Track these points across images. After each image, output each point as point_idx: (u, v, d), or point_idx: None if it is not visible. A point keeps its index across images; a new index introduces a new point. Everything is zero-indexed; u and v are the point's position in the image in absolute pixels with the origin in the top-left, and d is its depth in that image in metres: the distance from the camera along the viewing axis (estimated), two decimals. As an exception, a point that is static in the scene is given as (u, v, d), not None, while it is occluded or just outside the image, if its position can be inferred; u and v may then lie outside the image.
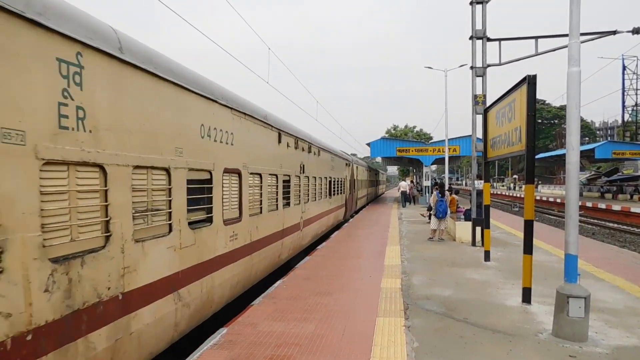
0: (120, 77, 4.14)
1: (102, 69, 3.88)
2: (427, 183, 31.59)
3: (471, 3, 13.30)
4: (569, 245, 5.57)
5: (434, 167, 43.73)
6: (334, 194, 17.98)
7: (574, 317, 5.35)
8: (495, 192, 56.70)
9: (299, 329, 5.80)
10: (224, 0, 10.23)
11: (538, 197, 41.49)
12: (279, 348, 5.16)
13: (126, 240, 4.20)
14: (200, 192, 5.82)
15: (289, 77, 26.41)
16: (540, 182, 61.33)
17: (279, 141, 9.57)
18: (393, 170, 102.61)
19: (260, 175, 8.19)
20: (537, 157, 38.24)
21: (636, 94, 55.67)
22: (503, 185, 74.18)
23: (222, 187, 6.38)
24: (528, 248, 6.83)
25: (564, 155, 6.13)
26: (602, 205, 30.11)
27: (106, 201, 3.94)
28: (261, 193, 8.29)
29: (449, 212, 14.38)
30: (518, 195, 46.53)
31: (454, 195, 16.16)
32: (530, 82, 6.53)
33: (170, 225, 4.99)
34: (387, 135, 59.06)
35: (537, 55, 13.74)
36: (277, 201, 9.40)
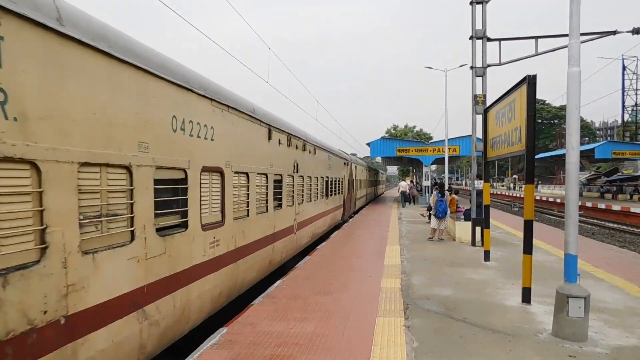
0: (59, 54, 3.42)
1: (31, 43, 3.17)
2: (427, 183, 31.59)
3: (471, 3, 13.30)
4: (568, 245, 5.58)
5: (433, 167, 43.73)
6: (331, 195, 17.32)
7: (574, 317, 5.36)
8: (495, 192, 56.71)
9: (299, 329, 5.80)
10: (224, 1, 10.23)
11: (538, 197, 41.49)
12: (278, 348, 5.16)
13: (70, 253, 3.49)
14: (172, 194, 5.19)
15: (289, 77, 26.42)
16: (540, 182, 61.35)
17: (269, 138, 8.82)
18: (393, 170, 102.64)
19: (247, 174, 7.52)
20: (537, 157, 38.26)
21: (636, 94, 55.70)
22: (503, 185, 74.21)
23: (200, 187, 5.71)
24: (528, 248, 6.84)
25: (563, 155, 6.13)
26: (602, 205, 30.13)
27: (41, 206, 3.23)
28: (248, 194, 7.60)
29: (448, 212, 14.38)
30: (518, 195, 46.55)
31: (453, 195, 16.16)
32: (530, 82, 6.54)
33: (132, 232, 4.32)
34: (387, 135, 59.06)
35: (537, 55, 13.75)
36: (267, 203, 8.77)
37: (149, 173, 4.61)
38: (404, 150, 31.55)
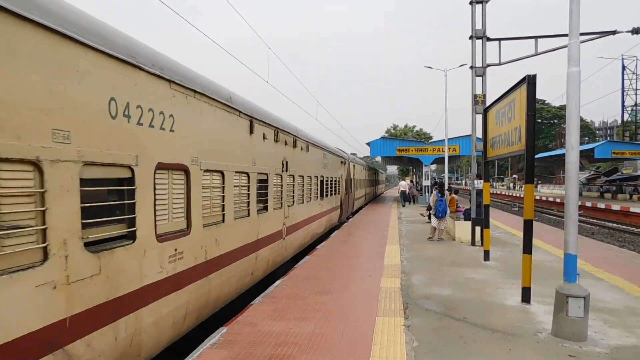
0: None
1: None
2: (426, 183, 31.60)
3: (471, 3, 13.30)
4: (568, 244, 5.58)
5: (433, 166, 43.74)
6: (326, 195, 16.31)
7: (573, 316, 5.36)
8: (494, 192, 56.73)
9: (299, 329, 5.81)
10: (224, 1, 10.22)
11: (537, 197, 41.51)
12: (278, 347, 5.16)
13: None
14: (112, 197, 4.23)
15: (289, 77, 26.41)
16: (539, 181, 61.37)
17: (251, 131, 7.74)
18: (393, 169, 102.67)
19: (221, 173, 6.48)
20: (536, 156, 38.24)
21: (636, 94, 55.70)
22: (503, 185, 74.23)
23: (155, 189, 4.71)
24: (527, 248, 6.84)
25: (563, 155, 6.13)
26: (602, 205, 30.14)
27: None
28: (223, 196, 6.53)
29: (448, 211, 14.39)
30: (518, 195, 46.56)
31: (453, 195, 16.17)
32: (529, 82, 6.54)
33: (45, 249, 3.31)
34: (386, 134, 59.06)
35: (537, 55, 13.75)
36: (248, 206, 7.67)
37: (72, 171, 3.55)
38: (403, 150, 31.57)
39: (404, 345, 5.21)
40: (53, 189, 3.38)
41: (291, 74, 20.61)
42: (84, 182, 3.69)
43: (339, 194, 19.58)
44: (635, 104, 55.85)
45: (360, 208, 30.20)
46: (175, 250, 5.13)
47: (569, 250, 5.58)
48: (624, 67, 55.66)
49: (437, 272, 9.26)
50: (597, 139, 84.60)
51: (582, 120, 63.60)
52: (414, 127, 66.00)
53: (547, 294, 7.09)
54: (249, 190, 7.70)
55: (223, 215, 6.57)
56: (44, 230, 3.32)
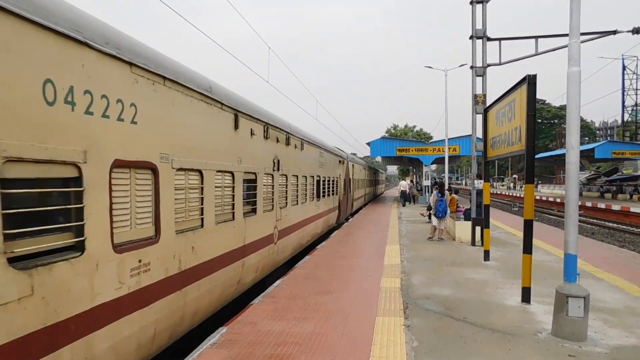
0: None
1: None
2: (426, 182, 31.61)
3: (471, 2, 13.30)
4: (568, 245, 5.58)
5: (433, 166, 43.75)
6: (323, 196, 15.58)
7: (573, 316, 5.36)
8: (495, 192, 56.73)
9: (299, 328, 5.81)
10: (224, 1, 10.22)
11: (538, 197, 41.50)
12: (278, 347, 5.17)
13: None
14: (51, 201, 3.54)
15: (289, 76, 26.42)
16: (540, 181, 61.37)
17: (236, 126, 7.02)
18: (393, 169, 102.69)
19: (200, 172, 5.81)
20: (536, 156, 38.22)
21: (636, 94, 55.70)
22: (503, 185, 74.23)
23: (111, 190, 4.03)
24: (528, 248, 6.84)
25: (563, 155, 6.13)
26: (602, 205, 30.14)
27: None
28: (202, 198, 5.86)
29: (448, 211, 14.40)
30: (518, 195, 46.56)
31: (453, 195, 16.17)
32: (530, 82, 6.54)
33: None
34: (387, 134, 59.07)
35: (537, 55, 13.75)
36: (233, 208, 6.96)
37: None
38: (404, 150, 31.58)
39: (404, 345, 5.21)
40: None
41: (291, 74, 20.62)
42: (6, 182, 3.00)
43: (337, 194, 18.97)
44: (636, 104, 55.84)
45: (360, 209, 29.96)
46: (140, 261, 4.44)
47: (569, 250, 5.58)
48: (624, 67, 55.67)
49: (437, 272, 9.27)
50: (597, 139, 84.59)
51: (582, 120, 63.56)
52: (414, 127, 66.03)
53: (547, 294, 7.08)
54: (233, 192, 6.99)
55: (202, 219, 5.87)
56: None
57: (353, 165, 25.32)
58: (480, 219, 11.34)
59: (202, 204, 5.90)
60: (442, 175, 39.75)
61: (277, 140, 9.47)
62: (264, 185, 8.65)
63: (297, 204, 11.57)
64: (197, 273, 5.69)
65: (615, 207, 28.52)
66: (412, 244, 13.31)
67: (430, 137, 58.64)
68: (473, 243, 12.71)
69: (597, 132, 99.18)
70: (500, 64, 13.66)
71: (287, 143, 10.39)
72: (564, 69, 5.67)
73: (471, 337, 5.52)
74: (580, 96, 5.59)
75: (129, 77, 4.34)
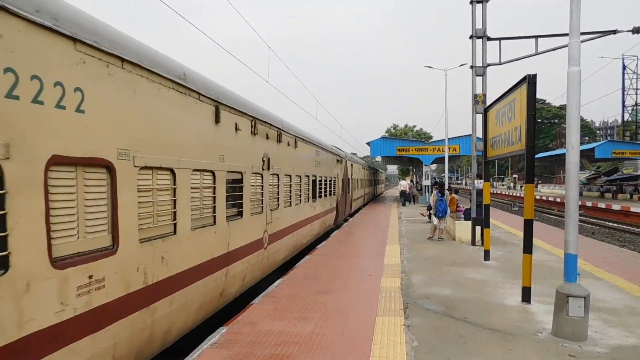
0: None
1: None
2: (426, 182, 31.62)
3: (471, 2, 13.30)
4: (568, 244, 5.58)
5: (433, 166, 43.76)
6: (320, 196, 14.89)
7: (574, 316, 5.36)
8: (495, 192, 56.73)
9: (299, 328, 5.81)
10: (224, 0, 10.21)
11: (538, 197, 41.50)
12: (278, 347, 5.17)
13: None
14: None
15: (289, 76, 26.41)
16: (540, 181, 61.37)
17: (217, 120, 6.28)
18: (393, 169, 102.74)
19: (171, 171, 5.09)
20: (537, 156, 38.22)
21: (636, 94, 55.70)
22: (503, 185, 74.25)
23: (47, 192, 3.33)
24: (528, 247, 6.84)
25: (563, 154, 6.14)
26: (602, 205, 30.14)
27: None
28: (174, 200, 5.14)
29: (448, 211, 14.40)
30: (518, 194, 46.56)
31: (453, 195, 16.17)
32: (530, 81, 6.54)
33: None
34: (387, 134, 59.08)
35: (537, 54, 13.75)
36: (214, 211, 6.25)
37: None
38: (404, 150, 31.57)
39: (404, 345, 5.21)
40: None
41: (291, 74, 20.61)
42: None
43: (334, 194, 18.33)
44: (636, 104, 55.84)
45: (359, 209, 29.64)
46: (91, 277, 3.75)
47: (569, 250, 5.57)
48: (624, 67, 55.67)
49: (437, 272, 9.26)
50: (597, 138, 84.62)
51: (582, 120, 63.55)
52: (414, 126, 65.99)
53: (547, 294, 7.09)
54: (214, 193, 6.24)
55: (174, 225, 5.14)
56: None
57: (352, 164, 24.73)
58: (480, 219, 11.34)
59: (174, 208, 5.14)
60: (442, 175, 39.76)
61: (267, 137, 8.76)
62: (252, 185, 7.94)
63: (291, 205, 10.86)
64: (168, 286, 4.96)
65: (616, 206, 28.52)
66: (412, 243, 13.31)
67: (430, 137, 58.64)
68: (473, 243, 12.71)
69: (597, 131, 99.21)
70: (500, 63, 13.66)
71: (279, 140, 9.64)
72: (564, 68, 5.67)
73: (471, 336, 5.52)
74: (580, 96, 5.58)
75: (73, 55, 3.58)
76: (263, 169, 8.48)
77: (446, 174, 29.11)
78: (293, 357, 4.88)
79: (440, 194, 13.94)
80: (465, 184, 78.57)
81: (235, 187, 7.21)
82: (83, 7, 3.95)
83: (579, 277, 5.68)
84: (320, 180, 14.87)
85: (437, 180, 29.66)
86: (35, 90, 3.23)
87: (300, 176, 11.82)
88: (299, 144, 11.68)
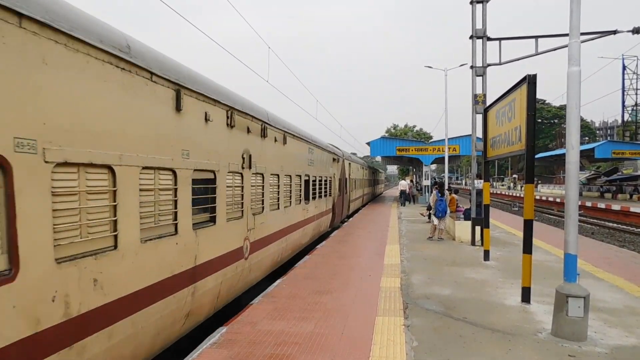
0: None
1: None
2: (426, 182, 31.63)
3: (471, 2, 13.30)
4: (568, 244, 5.58)
5: (433, 166, 43.77)
6: (314, 198, 13.87)
7: (573, 316, 5.36)
8: (494, 192, 56.74)
9: (299, 328, 5.81)
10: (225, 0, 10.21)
11: (538, 197, 41.51)
12: (278, 347, 5.16)
13: None
14: None
15: (290, 77, 26.40)
16: (539, 181, 61.40)
17: (178, 107, 5.18)
18: (393, 169, 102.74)
19: (109, 168, 4.06)
20: (536, 156, 38.25)
21: (636, 94, 55.69)
22: (503, 185, 74.26)
23: None
24: (527, 247, 6.84)
25: (563, 154, 6.13)
26: (602, 205, 30.14)
27: None
28: (114, 206, 4.13)
29: (448, 211, 14.41)
30: (518, 194, 46.57)
31: (453, 195, 16.18)
32: (530, 81, 6.54)
33: None
34: (386, 134, 59.08)
35: (537, 54, 13.75)
36: (175, 218, 5.20)
37: None
38: (403, 150, 31.57)
39: (404, 345, 5.21)
40: None
41: (291, 74, 20.61)
42: None
43: (330, 195, 17.31)
44: (636, 104, 55.85)
45: (358, 209, 29.03)
46: None
47: (569, 250, 5.58)
48: (624, 67, 55.67)
49: (437, 272, 9.26)
50: (597, 138, 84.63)
51: (582, 120, 63.58)
52: (414, 126, 66.00)
53: (547, 294, 7.09)
54: (175, 196, 5.19)
55: (115, 237, 4.12)
56: None
57: (350, 163, 23.73)
58: (480, 219, 11.34)
59: (114, 215, 4.11)
60: (442, 175, 39.77)
61: (249, 131, 7.68)
62: (229, 187, 6.85)
63: (279, 208, 9.78)
64: (105, 316, 3.94)
65: (615, 207, 28.53)
66: (412, 243, 13.31)
67: (430, 137, 58.65)
68: (473, 243, 12.71)
69: (597, 131, 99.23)
70: (500, 63, 13.66)
71: (264, 135, 8.51)
72: (564, 68, 5.67)
73: (471, 336, 5.52)
74: (580, 96, 5.58)
75: None
76: (243, 168, 7.44)
77: (446, 174, 29.11)
78: (293, 357, 4.88)
79: (440, 194, 13.95)
80: (465, 184, 78.58)
81: (205, 189, 6.14)
82: (83, 7, 3.94)
83: (579, 277, 5.68)
84: (314, 181, 13.93)
85: (437, 180, 29.67)
86: None
87: (290, 176, 10.78)
88: (289, 140, 10.65)
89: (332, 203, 17.84)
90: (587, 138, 75.30)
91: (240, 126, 7.25)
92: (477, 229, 12.36)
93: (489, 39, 13.37)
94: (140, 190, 4.54)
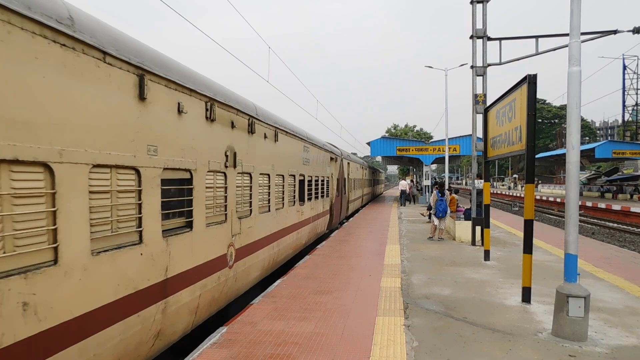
0: None
1: None
2: (427, 182, 31.64)
3: (472, 2, 13.29)
4: (568, 244, 5.58)
5: (434, 166, 43.77)
6: (309, 199, 13.19)
7: (574, 316, 5.36)
8: (495, 192, 56.73)
9: (299, 328, 5.80)
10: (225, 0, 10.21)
11: (538, 197, 41.51)
12: (278, 347, 5.16)
13: None
14: None
15: (290, 77, 26.41)
16: (540, 181, 61.39)
17: (141, 95, 4.48)
18: (393, 169, 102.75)
19: (46, 166, 3.38)
20: (537, 156, 38.22)
21: (636, 94, 55.64)
22: (503, 185, 74.26)
23: None
24: (528, 247, 6.84)
25: (564, 154, 6.14)
26: (602, 205, 30.13)
27: None
28: (53, 212, 3.43)
29: (448, 211, 14.41)
30: (518, 194, 46.55)
31: (453, 195, 16.18)
32: (530, 81, 6.54)
33: None
34: (387, 134, 59.08)
35: (537, 54, 13.75)
36: (139, 225, 4.49)
37: None
38: (404, 150, 31.56)
39: (404, 345, 5.20)
40: None
41: (292, 74, 20.60)
42: None
43: (328, 196, 16.58)
44: (636, 104, 55.81)
45: (358, 210, 28.59)
46: None
47: (569, 250, 5.57)
48: (624, 67, 55.63)
49: (437, 272, 9.26)
50: (597, 138, 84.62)
51: (582, 120, 63.49)
52: (415, 126, 65.96)
53: (547, 294, 7.10)
54: (140, 199, 4.50)
55: (55, 249, 3.44)
56: None
57: (348, 163, 22.86)
58: (481, 219, 11.34)
59: (53, 224, 3.43)
60: (442, 175, 39.78)
61: (233, 126, 6.94)
62: (209, 187, 6.17)
63: (269, 211, 9.03)
64: (40, 347, 3.28)
65: (616, 207, 28.51)
66: (412, 243, 13.31)
67: (431, 137, 58.64)
68: (473, 243, 12.71)
69: (598, 131, 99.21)
70: (500, 63, 13.66)
71: (251, 131, 7.77)
72: (565, 68, 5.67)
73: (471, 337, 5.52)
74: (580, 96, 5.58)
75: None
76: (226, 167, 6.72)
77: (446, 174, 29.12)
78: (293, 357, 4.88)
79: (440, 194, 13.94)
80: (466, 184, 78.58)
81: (180, 190, 5.45)
82: (83, 7, 3.93)
83: (579, 277, 5.68)
84: (309, 181, 13.16)
85: (437, 180, 29.67)
86: None
87: (282, 175, 10.06)
88: (281, 137, 9.87)
89: (330, 204, 17.25)
90: (587, 138, 75.28)
91: (222, 120, 6.53)
92: (478, 229, 12.36)
93: (489, 38, 13.36)
94: (91, 192, 3.81)
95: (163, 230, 4.91)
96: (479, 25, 13.25)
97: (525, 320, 6.14)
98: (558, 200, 36.18)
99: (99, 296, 3.88)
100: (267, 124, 8.73)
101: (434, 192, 14.37)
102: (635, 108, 56.31)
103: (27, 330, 3.15)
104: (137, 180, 4.49)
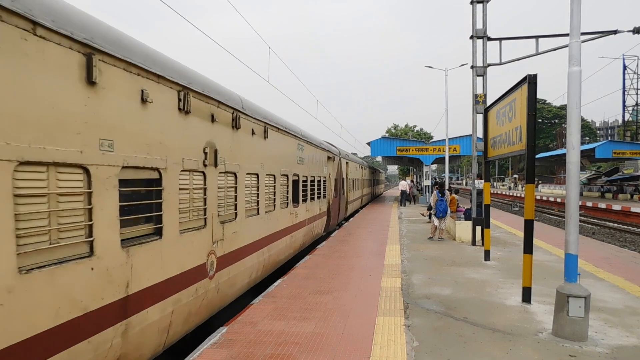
0: None
1: None
2: (427, 182, 31.65)
3: (472, 2, 13.29)
4: (569, 244, 5.58)
5: (434, 166, 43.76)
6: (305, 200, 12.40)
7: (574, 316, 5.36)
8: (495, 192, 56.72)
9: (299, 328, 5.81)
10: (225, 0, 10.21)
11: (538, 197, 41.50)
12: (278, 347, 5.16)
13: None
14: None
15: (290, 77, 26.41)
16: (540, 181, 61.38)
17: (90, 79, 3.70)
18: (393, 169, 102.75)
19: None
20: (537, 156, 38.22)
21: (637, 94, 55.62)
22: (503, 185, 74.24)
23: None
24: (528, 247, 6.84)
25: (564, 154, 6.13)
26: (602, 205, 30.11)
27: None
28: None
29: (449, 211, 14.41)
30: (518, 194, 46.55)
31: (454, 195, 16.18)
32: (530, 81, 6.54)
33: None
34: (387, 134, 59.08)
35: (537, 54, 13.75)
36: (90, 233, 3.76)
37: None
38: (404, 150, 31.58)
39: (404, 345, 5.20)
40: None
41: (292, 74, 20.60)
42: None
43: (325, 197, 15.85)
44: (637, 104, 55.80)
45: (357, 211, 27.98)
46: None
47: (569, 250, 5.57)
48: (625, 67, 55.62)
49: (437, 272, 9.26)
50: (598, 138, 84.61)
51: (582, 120, 63.48)
52: (415, 126, 65.97)
53: (547, 294, 7.09)
54: (90, 203, 3.76)
55: None
56: None
57: (347, 162, 22.04)
58: (481, 219, 11.34)
59: None
60: (443, 175, 39.77)
61: (214, 120, 6.13)
62: (184, 189, 5.40)
63: (258, 213, 8.22)
64: None
65: (616, 207, 28.50)
66: (413, 243, 13.31)
67: (431, 137, 58.65)
68: (473, 243, 12.71)
69: (598, 131, 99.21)
70: (500, 63, 13.67)
71: (236, 126, 6.96)
72: (565, 68, 5.67)
73: (471, 336, 5.52)
74: (581, 96, 5.58)
75: None
76: (205, 165, 5.93)
77: (446, 174, 29.11)
78: (293, 357, 4.88)
79: (440, 194, 13.94)
80: (466, 184, 78.57)
81: (146, 193, 4.73)
82: (84, 7, 3.93)
83: (580, 277, 5.68)
84: (304, 181, 12.36)
85: (438, 180, 29.67)
86: None
87: (273, 175, 9.24)
88: (272, 133, 9.00)
89: (327, 205, 16.43)
90: (587, 138, 75.26)
91: (199, 112, 5.72)
92: (478, 229, 12.36)
93: (489, 39, 13.37)
94: (17, 196, 3.08)
95: (122, 240, 4.15)
96: (479, 26, 13.25)
97: (526, 320, 6.13)
98: (558, 200, 36.15)
99: (30, 323, 3.15)
100: (255, 118, 7.89)
101: (434, 192, 14.37)
102: (635, 108, 56.30)
103: None
104: (86, 181, 3.72)
